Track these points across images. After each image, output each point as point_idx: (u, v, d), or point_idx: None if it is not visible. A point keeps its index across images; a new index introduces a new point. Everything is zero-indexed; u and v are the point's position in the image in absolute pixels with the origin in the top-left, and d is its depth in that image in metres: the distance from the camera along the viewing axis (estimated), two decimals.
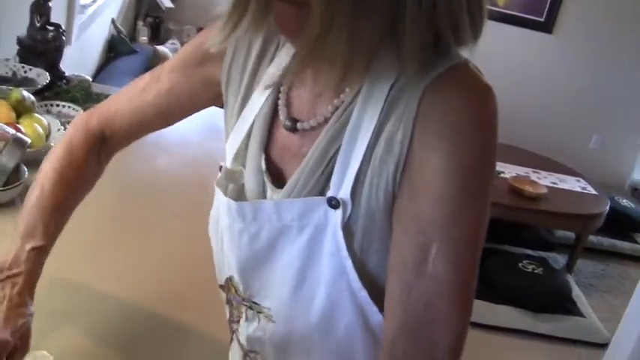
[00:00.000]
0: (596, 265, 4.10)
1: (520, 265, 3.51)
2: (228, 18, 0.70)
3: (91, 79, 2.15)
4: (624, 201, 4.58)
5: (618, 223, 4.28)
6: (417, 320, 0.65)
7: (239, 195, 0.82)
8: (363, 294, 0.71)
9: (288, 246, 0.74)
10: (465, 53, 0.68)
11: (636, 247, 4.32)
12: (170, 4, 4.71)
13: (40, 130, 1.59)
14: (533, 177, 4.01)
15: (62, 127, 1.65)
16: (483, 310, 3.22)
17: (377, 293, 0.71)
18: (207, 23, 0.88)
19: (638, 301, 2.45)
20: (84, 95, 1.96)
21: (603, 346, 3.06)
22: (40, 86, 1.86)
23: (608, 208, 3.80)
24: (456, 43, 0.66)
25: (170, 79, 0.92)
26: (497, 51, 4.65)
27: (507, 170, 3.96)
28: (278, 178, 0.77)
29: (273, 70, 0.79)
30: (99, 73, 3.59)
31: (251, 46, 0.82)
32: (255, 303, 0.82)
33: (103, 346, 1.05)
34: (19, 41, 1.96)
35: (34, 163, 1.46)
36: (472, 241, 0.65)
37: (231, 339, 0.93)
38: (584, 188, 4.04)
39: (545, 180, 4.01)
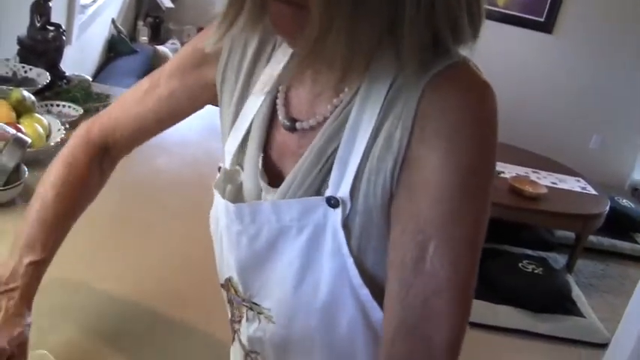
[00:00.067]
0: (596, 265, 4.10)
1: (520, 265, 3.52)
2: (223, 17, 0.70)
3: (91, 79, 2.16)
4: (624, 201, 4.58)
5: (618, 223, 4.28)
6: (415, 318, 0.65)
7: (237, 196, 0.82)
8: (365, 292, 0.71)
9: (288, 246, 0.74)
10: (465, 52, 0.67)
11: (636, 247, 4.33)
12: (170, 4, 4.71)
13: (41, 130, 1.59)
14: (533, 177, 4.01)
15: (62, 127, 1.66)
16: (483, 310, 3.22)
17: (377, 291, 0.71)
18: (208, 23, 0.88)
19: (638, 301, 2.45)
20: (84, 95, 1.96)
21: (603, 346, 3.06)
22: (40, 86, 1.86)
23: (608, 208, 3.80)
24: (455, 43, 0.65)
25: (169, 84, 0.92)
26: (497, 51, 4.66)
27: (507, 170, 3.96)
28: (276, 178, 0.77)
29: (270, 71, 0.79)
30: (99, 73, 3.59)
31: (247, 46, 0.82)
32: (255, 304, 0.82)
33: (103, 345, 1.05)
34: (20, 41, 1.96)
35: (35, 163, 1.47)
36: (471, 240, 0.65)
37: (233, 338, 0.93)
38: (584, 188, 4.04)
39: (545, 180, 4.01)
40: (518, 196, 3.61)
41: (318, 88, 0.73)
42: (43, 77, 1.89)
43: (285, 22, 0.65)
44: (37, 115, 1.64)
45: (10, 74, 1.90)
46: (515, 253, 3.75)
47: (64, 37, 2.03)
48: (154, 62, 3.93)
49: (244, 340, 0.88)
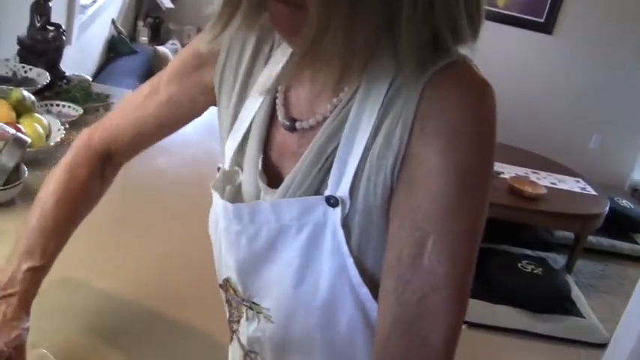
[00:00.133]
0: (595, 266, 4.11)
1: (519, 265, 3.52)
2: (217, 18, 0.70)
3: (91, 79, 2.16)
4: (624, 201, 4.59)
5: (617, 223, 4.29)
6: (412, 315, 0.65)
7: (236, 197, 0.82)
8: (364, 290, 0.71)
9: (288, 246, 0.74)
10: (465, 52, 0.68)
11: (635, 248, 4.33)
12: (170, 5, 4.71)
13: (40, 129, 1.59)
14: (533, 177, 4.01)
15: (62, 127, 1.66)
16: (482, 310, 3.23)
17: (377, 290, 0.71)
18: (207, 23, 0.88)
19: (637, 301, 2.46)
20: (84, 95, 1.96)
21: (602, 346, 3.07)
22: (40, 86, 1.86)
23: (607, 208, 3.80)
24: (454, 42, 0.66)
25: (168, 89, 0.92)
26: (497, 52, 4.66)
27: (507, 170, 3.96)
28: (276, 179, 0.77)
29: (268, 71, 0.79)
30: (99, 73, 3.59)
31: (245, 47, 0.82)
32: (255, 303, 0.82)
33: (102, 344, 1.05)
34: (20, 41, 1.96)
35: (34, 162, 1.47)
36: (469, 237, 0.65)
37: (231, 338, 0.93)
38: (583, 189, 4.04)
39: (545, 180, 4.01)
40: (517, 196, 3.61)
41: (317, 87, 0.74)
42: (43, 77, 1.90)
43: (283, 21, 0.66)
44: (36, 115, 1.64)
45: (10, 74, 1.90)
46: (514, 253, 3.75)
47: (64, 37, 2.03)
48: (154, 63, 3.93)
49: (243, 340, 0.88)
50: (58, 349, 0.99)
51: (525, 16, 4.92)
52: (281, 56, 0.78)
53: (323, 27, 0.60)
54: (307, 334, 0.77)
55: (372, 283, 0.71)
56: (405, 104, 0.65)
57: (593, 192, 4.01)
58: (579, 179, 4.20)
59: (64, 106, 1.86)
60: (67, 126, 1.69)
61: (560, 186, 4.00)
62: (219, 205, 0.81)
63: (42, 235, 0.92)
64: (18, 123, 1.55)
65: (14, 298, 0.87)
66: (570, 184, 4.09)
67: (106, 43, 3.90)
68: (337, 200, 0.69)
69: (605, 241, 4.25)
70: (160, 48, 4.17)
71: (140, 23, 4.57)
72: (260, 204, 0.76)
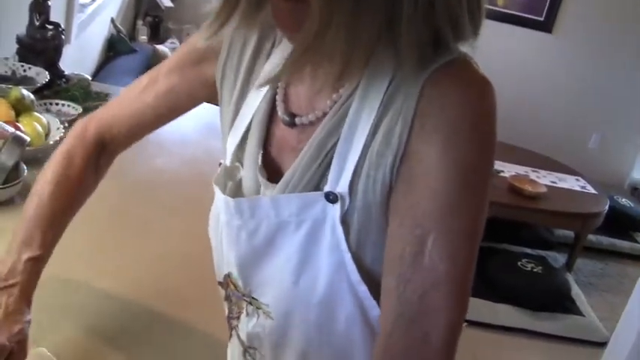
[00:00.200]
0: (595, 264, 4.11)
1: (519, 263, 3.52)
2: (216, 16, 0.70)
3: (90, 78, 2.15)
4: (623, 200, 4.59)
5: (617, 222, 4.29)
6: (413, 313, 0.65)
7: (237, 192, 0.82)
8: (363, 288, 0.71)
9: (286, 242, 0.74)
10: (466, 50, 0.68)
11: (635, 246, 4.33)
12: (170, 4, 4.71)
13: (40, 128, 1.59)
14: (533, 176, 4.02)
15: (61, 126, 1.66)
16: (483, 309, 3.23)
17: (375, 289, 0.71)
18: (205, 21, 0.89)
19: (637, 299, 2.46)
20: (83, 94, 1.96)
21: (602, 344, 3.07)
22: (39, 85, 1.86)
23: (607, 207, 3.80)
24: (455, 39, 0.66)
25: (168, 80, 0.92)
26: (496, 50, 4.66)
27: (507, 169, 3.97)
28: (276, 174, 0.77)
29: (269, 68, 0.79)
30: (98, 72, 3.59)
31: (246, 44, 0.82)
32: (254, 299, 0.82)
33: (102, 343, 1.05)
34: (19, 40, 1.96)
35: (34, 161, 1.47)
36: (469, 235, 0.65)
37: (230, 335, 0.93)
38: (583, 187, 4.04)
39: (545, 179, 4.02)
40: (517, 195, 3.61)
41: (317, 83, 0.74)
42: (42, 76, 1.90)
43: (285, 17, 0.66)
44: (36, 113, 1.64)
45: (9, 73, 1.90)
46: (514, 251, 3.75)
47: (63, 36, 2.03)
48: (154, 61, 3.93)
49: (243, 336, 0.88)
50: (58, 348, 0.99)
51: (525, 15, 4.92)
52: (281, 53, 0.78)
53: (325, 22, 0.60)
54: (305, 330, 0.77)
55: (371, 281, 0.71)
56: (404, 101, 0.65)
57: (593, 191, 4.01)
58: (579, 178, 4.20)
59: (63, 104, 1.86)
60: (67, 125, 1.68)
61: (560, 185, 4.01)
62: (220, 200, 0.81)
63: (40, 224, 0.92)
64: (17, 122, 1.55)
65: (16, 289, 0.87)
66: (570, 182, 4.09)
67: (105, 41, 3.90)
68: (336, 196, 0.69)
69: (605, 240, 4.25)
70: (160, 47, 4.17)
71: (139, 22, 4.57)
72: (260, 199, 0.76)
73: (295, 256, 0.73)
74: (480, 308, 3.21)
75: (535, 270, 3.47)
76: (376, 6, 0.61)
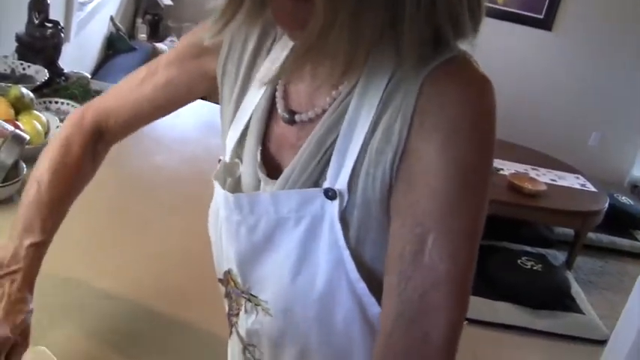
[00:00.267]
0: (595, 262, 4.11)
1: (519, 261, 3.52)
2: (221, 13, 0.70)
3: (89, 76, 2.15)
4: (623, 198, 4.59)
5: (617, 220, 4.29)
6: (414, 312, 0.65)
7: (236, 189, 0.82)
8: (362, 285, 0.71)
9: (285, 238, 0.74)
10: (465, 47, 0.67)
11: (635, 244, 4.33)
12: (169, 2, 4.71)
13: (39, 126, 1.59)
14: (533, 174, 4.01)
15: (61, 124, 1.65)
16: (482, 307, 3.23)
17: (374, 285, 0.71)
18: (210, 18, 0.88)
19: (636, 297, 2.46)
20: (82, 92, 1.96)
21: (602, 342, 3.07)
22: (38, 83, 1.86)
23: (607, 205, 3.80)
24: (455, 37, 0.66)
25: (167, 72, 0.92)
26: (496, 48, 4.66)
27: (506, 167, 3.96)
28: (275, 171, 0.77)
29: (269, 64, 0.79)
30: (98, 70, 3.58)
31: (247, 40, 0.82)
32: (253, 295, 0.82)
33: (102, 341, 1.05)
34: (18, 38, 1.96)
35: (33, 159, 1.46)
36: (470, 233, 0.65)
37: (230, 332, 0.93)
38: (583, 185, 4.04)
39: (545, 177, 4.02)
40: (517, 193, 3.61)
41: (317, 81, 0.74)
42: (42, 74, 1.89)
43: (286, 15, 0.65)
44: (35, 112, 1.64)
45: (8, 71, 1.90)
46: (514, 249, 3.75)
47: (62, 35, 2.03)
48: (153, 59, 3.92)
49: (242, 333, 0.88)
50: (58, 346, 0.98)
51: (524, 13, 4.91)
52: (281, 49, 0.78)
53: (329, 22, 0.60)
54: (304, 327, 0.77)
55: (370, 278, 0.71)
56: (404, 99, 0.65)
57: (592, 189, 4.01)
58: (579, 176, 4.20)
59: (62, 103, 1.85)
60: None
61: (559, 183, 4.01)
62: (220, 196, 0.81)
63: (40, 211, 0.93)
64: (16, 120, 1.55)
65: (18, 275, 0.88)
66: (570, 180, 4.09)
67: (104, 40, 3.90)
68: (335, 193, 0.69)
69: (605, 238, 4.25)
70: (159, 45, 4.17)
71: (139, 20, 4.56)
72: (259, 195, 0.76)
73: (294, 253, 0.73)
74: (479, 306, 3.21)
75: (535, 268, 3.47)
76: (379, 5, 0.61)
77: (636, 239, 4.39)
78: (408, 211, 0.66)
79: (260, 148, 0.79)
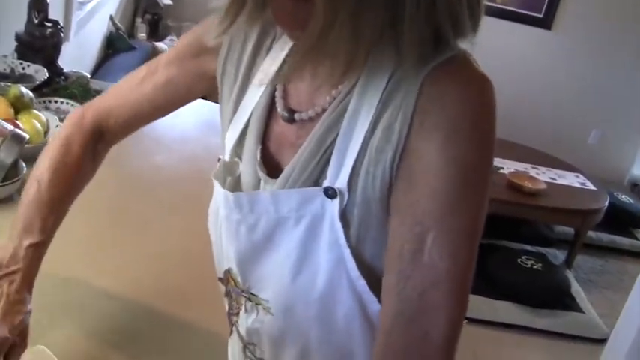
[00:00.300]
0: (595, 261, 4.11)
1: (519, 260, 3.52)
2: (226, 12, 0.70)
3: (89, 76, 2.15)
4: (623, 197, 4.59)
5: (617, 218, 4.29)
6: (413, 310, 0.65)
7: (235, 188, 0.82)
8: (362, 282, 0.71)
9: (285, 237, 0.74)
10: (465, 46, 0.68)
11: (635, 243, 4.33)
12: (169, 1, 4.70)
13: (39, 126, 1.59)
14: (532, 173, 4.01)
15: (60, 124, 1.65)
16: (482, 306, 3.23)
17: (374, 282, 0.71)
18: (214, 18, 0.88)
19: (636, 296, 2.46)
20: (82, 91, 1.96)
21: (602, 341, 3.07)
22: (38, 82, 1.86)
23: (607, 203, 3.80)
24: (455, 36, 0.66)
25: (167, 71, 0.92)
26: (495, 47, 4.66)
27: (506, 166, 3.96)
28: (275, 170, 0.77)
29: (269, 62, 0.79)
30: (97, 69, 3.58)
31: (247, 39, 0.82)
32: (253, 294, 0.82)
33: (102, 341, 1.05)
34: (18, 37, 1.96)
35: (33, 159, 1.46)
36: (469, 232, 0.66)
37: (231, 331, 0.93)
38: (583, 184, 4.04)
39: (544, 176, 4.02)
40: (517, 191, 3.61)
41: (317, 80, 0.74)
42: (41, 74, 1.89)
43: (286, 15, 0.65)
44: (35, 111, 1.64)
45: (8, 71, 1.90)
46: (514, 248, 3.75)
47: (62, 34, 2.03)
48: (152, 59, 3.92)
49: (242, 332, 0.88)
50: (58, 346, 0.99)
51: (524, 11, 4.91)
52: (280, 48, 0.78)
53: (329, 22, 0.60)
54: (305, 325, 0.77)
55: (370, 276, 0.71)
56: (404, 98, 0.65)
57: (592, 187, 4.01)
58: (579, 174, 4.20)
59: (62, 102, 1.85)
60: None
61: (559, 181, 4.00)
62: (220, 195, 0.81)
63: (40, 211, 0.93)
64: (16, 119, 1.55)
65: (17, 275, 0.87)
66: (570, 179, 4.09)
67: (104, 39, 3.90)
68: (335, 192, 0.69)
69: (605, 237, 4.25)
70: (159, 44, 4.17)
71: (138, 20, 4.56)
72: (259, 194, 0.76)
73: (294, 252, 0.73)
74: (479, 305, 3.21)
75: (535, 267, 3.47)
76: (379, 5, 0.61)
77: (636, 238, 4.39)
78: (408, 210, 0.66)
79: (260, 147, 0.79)
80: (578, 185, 4.01)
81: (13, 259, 0.88)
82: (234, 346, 0.94)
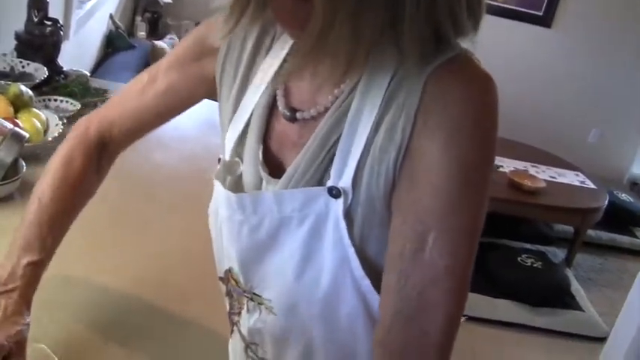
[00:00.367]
0: (594, 259, 4.11)
1: (519, 259, 3.52)
2: (231, 11, 0.70)
3: (89, 74, 2.15)
4: (623, 195, 4.59)
5: (617, 217, 4.29)
6: (412, 309, 0.66)
7: (237, 187, 0.82)
8: (366, 282, 0.72)
9: (289, 237, 0.74)
10: (466, 44, 0.68)
11: (635, 241, 4.33)
12: (168, 0, 4.70)
13: (38, 124, 1.59)
14: (532, 171, 4.01)
15: (60, 122, 1.65)
16: (482, 304, 3.23)
17: (378, 282, 0.71)
18: (206, 18, 0.88)
19: (636, 294, 2.46)
20: (82, 90, 1.96)
21: (602, 339, 3.07)
22: (37, 81, 1.85)
23: (606, 202, 3.80)
24: (456, 35, 0.66)
25: (167, 77, 0.92)
26: (495, 45, 4.65)
27: (506, 164, 3.96)
28: (277, 169, 0.77)
29: (269, 62, 0.79)
30: (97, 68, 3.58)
31: (246, 39, 0.82)
32: (256, 294, 0.82)
33: (102, 340, 1.05)
34: (17, 36, 1.95)
35: (32, 157, 1.47)
36: (470, 231, 0.66)
37: (232, 331, 0.93)
38: (582, 182, 4.04)
39: (544, 174, 4.01)
40: (517, 190, 3.61)
41: (318, 79, 0.74)
42: (41, 72, 1.89)
43: (286, 14, 0.66)
44: (34, 109, 1.64)
45: (7, 69, 1.90)
46: (514, 247, 3.75)
47: (61, 32, 2.03)
48: (152, 57, 3.92)
49: (244, 332, 0.88)
50: (58, 345, 0.99)
51: (524, 10, 4.91)
52: (280, 48, 0.78)
53: (329, 22, 0.60)
54: (308, 325, 0.77)
55: (374, 275, 0.71)
56: (407, 97, 0.66)
57: (592, 186, 4.01)
58: (578, 173, 4.20)
59: (61, 101, 1.85)
60: (65, 121, 1.68)
61: (559, 180, 4.01)
62: (221, 195, 0.81)
63: (40, 229, 0.92)
64: (16, 118, 1.55)
65: (15, 293, 0.87)
66: (570, 177, 4.09)
67: (103, 38, 3.89)
68: (339, 191, 0.69)
69: (605, 235, 4.25)
70: (158, 43, 4.16)
71: (138, 18, 4.56)
72: (263, 194, 0.76)
73: (298, 252, 0.73)
74: (479, 303, 3.22)
75: (535, 265, 3.47)
76: (379, 4, 0.61)
77: (636, 236, 4.39)
78: (410, 209, 0.66)
79: (261, 147, 0.79)
80: (577, 184, 4.01)
81: (10, 278, 0.88)
82: (235, 346, 0.94)
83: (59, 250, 0.95)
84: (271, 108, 0.79)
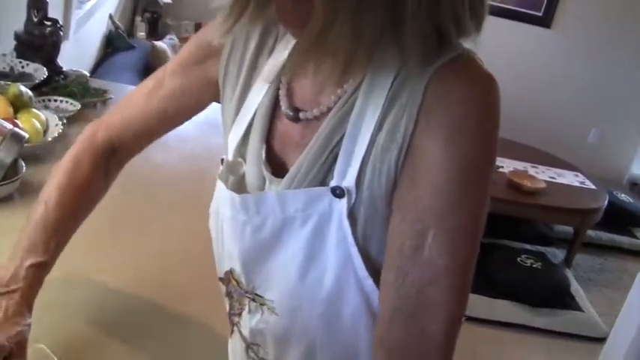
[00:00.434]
0: (594, 260, 4.11)
1: (519, 259, 3.52)
2: (230, 10, 0.70)
3: (88, 75, 2.15)
4: (622, 195, 4.59)
5: (616, 217, 4.29)
6: (411, 307, 0.66)
7: (239, 187, 0.82)
8: (369, 282, 0.72)
9: (292, 237, 0.74)
10: (468, 45, 0.68)
11: (634, 242, 4.33)
12: (168, 0, 4.70)
13: (38, 125, 1.59)
14: (532, 171, 4.02)
15: (60, 122, 1.65)
16: (482, 304, 3.23)
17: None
18: (206, 18, 0.88)
19: (636, 295, 2.46)
20: (81, 90, 1.96)
21: (601, 340, 3.07)
22: (37, 81, 1.85)
23: (606, 202, 3.80)
24: (458, 36, 0.66)
25: (173, 82, 0.92)
26: (495, 45, 4.64)
27: (505, 165, 3.96)
28: (279, 169, 0.77)
29: (272, 62, 0.79)
30: (97, 68, 3.58)
31: (249, 39, 0.82)
32: (258, 295, 0.82)
33: (102, 341, 1.05)
34: (17, 36, 1.95)
35: (32, 158, 1.47)
36: (470, 231, 0.66)
37: (232, 331, 0.93)
38: (582, 183, 4.04)
39: (544, 174, 4.02)
40: (516, 190, 3.61)
41: (320, 79, 0.74)
42: (41, 72, 1.89)
43: (288, 13, 0.66)
44: (34, 110, 1.64)
45: (7, 69, 1.90)
46: (513, 247, 3.75)
47: (61, 33, 2.03)
48: (152, 58, 3.93)
49: (245, 333, 0.88)
50: (58, 345, 0.98)
51: (523, 10, 4.91)
52: (284, 48, 0.78)
53: (329, 20, 0.60)
54: (311, 325, 0.77)
55: (377, 274, 0.71)
56: (410, 97, 0.66)
57: (592, 186, 4.01)
58: (578, 173, 4.20)
59: (61, 101, 1.85)
60: (65, 121, 1.68)
61: (559, 180, 4.01)
62: (224, 195, 0.81)
63: (44, 231, 0.92)
64: (15, 118, 1.55)
65: (16, 294, 0.87)
66: (569, 178, 4.09)
67: (103, 38, 3.89)
68: (343, 191, 0.69)
69: (604, 235, 4.25)
70: (158, 43, 4.16)
71: (138, 18, 4.56)
72: (266, 194, 0.76)
73: (302, 252, 0.73)
74: (479, 304, 3.22)
75: (534, 266, 3.47)
76: (379, 4, 0.61)
77: (635, 237, 4.39)
78: (410, 207, 0.66)
79: (265, 147, 0.79)
80: (577, 184, 4.01)
81: (13, 279, 0.88)
82: (235, 346, 0.94)
83: None
84: (274, 108, 0.79)
